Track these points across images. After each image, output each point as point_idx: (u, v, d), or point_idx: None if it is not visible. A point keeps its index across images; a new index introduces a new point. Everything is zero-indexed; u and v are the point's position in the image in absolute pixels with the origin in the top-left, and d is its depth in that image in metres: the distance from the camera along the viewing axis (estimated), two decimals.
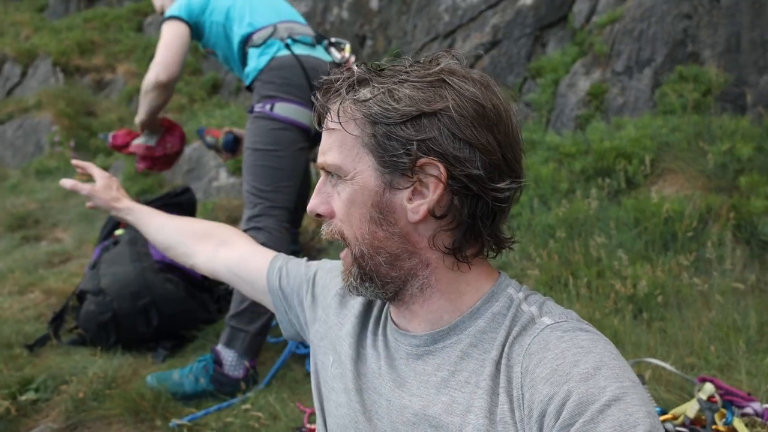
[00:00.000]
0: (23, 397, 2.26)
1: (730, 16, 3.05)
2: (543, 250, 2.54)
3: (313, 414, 2.03)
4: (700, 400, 1.71)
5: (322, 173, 0.86)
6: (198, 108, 5.70)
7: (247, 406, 2.12)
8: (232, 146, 2.86)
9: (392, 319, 0.90)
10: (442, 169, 0.75)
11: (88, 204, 1.45)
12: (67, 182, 1.46)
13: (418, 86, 0.76)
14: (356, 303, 0.97)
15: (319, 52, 2.53)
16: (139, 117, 2.62)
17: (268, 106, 2.39)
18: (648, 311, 2.22)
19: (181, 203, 3.09)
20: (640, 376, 1.86)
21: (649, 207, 2.53)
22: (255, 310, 2.26)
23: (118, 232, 2.93)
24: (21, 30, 8.23)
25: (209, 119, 5.34)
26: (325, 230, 0.86)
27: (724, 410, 1.70)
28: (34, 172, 5.69)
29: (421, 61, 0.80)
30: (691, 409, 1.71)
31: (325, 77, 0.83)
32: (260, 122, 2.41)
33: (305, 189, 3.07)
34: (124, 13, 8.25)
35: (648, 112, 3.16)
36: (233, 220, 3.78)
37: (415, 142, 0.75)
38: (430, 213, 0.78)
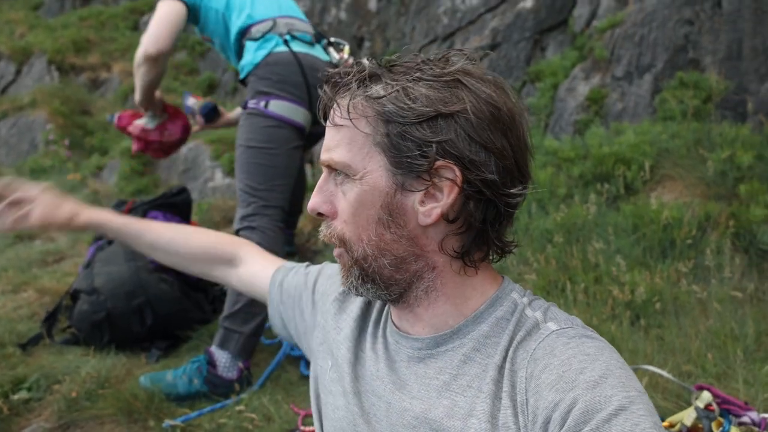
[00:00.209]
0: (16, 396, 2.24)
1: (732, 23, 3.05)
2: (541, 255, 2.53)
3: (307, 416, 2.02)
4: (697, 409, 1.70)
5: (325, 170, 0.83)
6: None
7: (241, 407, 2.10)
8: (209, 113, 2.83)
9: (393, 321, 0.89)
10: (457, 172, 0.74)
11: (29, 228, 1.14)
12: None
13: (434, 86, 0.74)
14: (354, 307, 0.96)
15: (317, 51, 2.50)
16: (136, 95, 2.59)
17: (262, 103, 2.35)
18: (645, 318, 2.21)
19: (176, 203, 3.07)
20: None
21: (647, 213, 2.52)
22: (249, 311, 2.24)
23: None
24: (16, 28, 8.18)
25: None
26: (324, 232, 0.84)
27: (721, 419, 1.70)
28: (29, 171, 5.65)
29: (432, 59, 0.78)
30: (688, 417, 1.70)
31: (333, 71, 0.80)
32: (254, 119, 2.37)
33: (300, 189, 3.05)
34: (120, 12, 8.22)
35: (647, 118, 3.15)
36: (228, 221, 3.76)
37: (433, 144, 0.73)
38: (443, 217, 0.76)
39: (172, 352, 2.62)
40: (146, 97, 2.57)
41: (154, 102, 2.66)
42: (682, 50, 3.21)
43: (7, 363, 2.44)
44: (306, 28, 2.54)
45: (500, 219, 0.78)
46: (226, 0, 2.45)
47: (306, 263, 1.16)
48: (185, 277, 2.84)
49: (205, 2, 2.45)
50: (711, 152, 2.70)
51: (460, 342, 0.80)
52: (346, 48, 2.59)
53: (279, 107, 2.35)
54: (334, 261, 0.93)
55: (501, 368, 0.75)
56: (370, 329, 0.92)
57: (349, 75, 0.78)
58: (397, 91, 0.74)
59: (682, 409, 1.79)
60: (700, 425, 1.66)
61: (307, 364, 2.38)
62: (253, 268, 1.18)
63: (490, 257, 0.83)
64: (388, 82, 0.75)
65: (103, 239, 2.95)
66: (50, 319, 2.78)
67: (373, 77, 0.77)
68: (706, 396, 1.72)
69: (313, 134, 2.58)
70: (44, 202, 1.18)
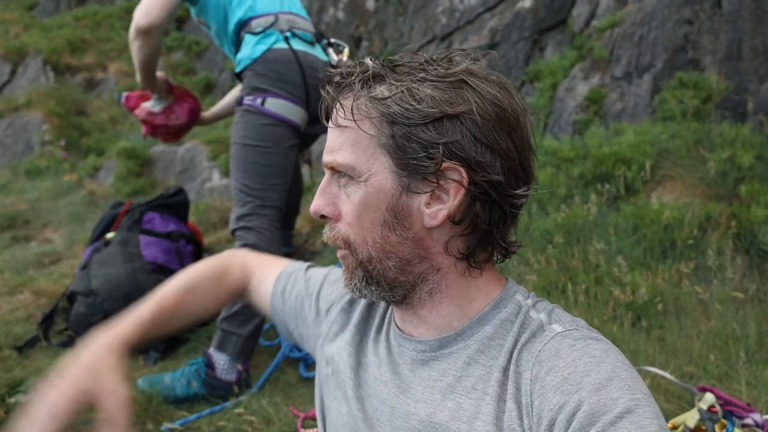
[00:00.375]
0: (12, 400, 2.21)
1: (732, 23, 3.05)
2: (541, 256, 2.52)
3: (306, 419, 2.00)
4: (700, 410, 1.69)
5: (328, 172, 0.82)
6: None
7: (240, 410, 2.08)
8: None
9: (396, 324, 0.88)
10: (464, 174, 0.73)
11: None
12: None
13: (439, 86, 0.73)
14: (356, 313, 0.95)
15: (317, 51, 2.48)
16: (137, 75, 2.52)
17: (258, 100, 2.31)
18: (647, 319, 2.20)
19: (173, 205, 3.06)
20: None
21: (648, 214, 2.51)
22: (247, 312, 2.22)
23: (110, 235, 2.88)
24: (10, 28, 8.14)
25: None
26: (327, 234, 0.83)
27: (724, 421, 1.68)
28: (24, 172, 5.62)
29: (435, 59, 0.77)
30: (691, 418, 1.69)
31: (335, 71, 0.79)
32: (249, 116, 2.33)
33: (297, 189, 3.03)
34: (116, 12, 8.18)
35: (647, 118, 3.15)
36: (226, 222, 3.75)
37: (439, 146, 0.73)
38: (449, 219, 0.76)
39: (170, 354, 2.60)
40: (146, 75, 2.49)
41: (157, 83, 2.59)
42: (681, 50, 3.21)
43: (4, 366, 2.41)
44: (307, 26, 2.51)
45: (505, 220, 0.78)
46: None
47: (307, 264, 1.13)
48: None
49: None
50: (711, 152, 2.70)
51: (464, 344, 0.79)
52: (346, 50, 2.56)
53: (276, 105, 2.32)
54: (332, 262, 0.92)
55: (506, 370, 0.75)
56: (372, 334, 0.91)
57: (352, 75, 0.77)
58: (402, 92, 0.73)
59: (684, 410, 1.78)
60: (704, 427, 1.65)
61: (307, 366, 2.37)
62: (260, 289, 1.13)
63: (494, 258, 0.82)
64: (393, 82, 0.75)
65: (99, 240, 2.93)
66: (47, 322, 2.76)
67: (377, 77, 0.76)
68: (709, 398, 1.71)
69: (308, 134, 2.55)
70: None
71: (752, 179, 2.55)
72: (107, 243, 2.84)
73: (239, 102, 2.39)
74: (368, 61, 0.78)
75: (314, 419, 1.87)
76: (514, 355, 0.75)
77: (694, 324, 2.15)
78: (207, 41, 6.71)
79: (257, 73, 2.34)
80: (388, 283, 0.80)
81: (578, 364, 0.69)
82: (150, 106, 2.67)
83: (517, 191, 0.76)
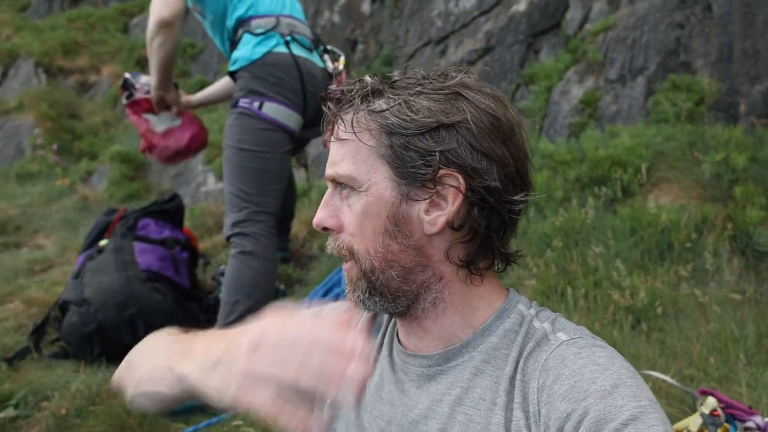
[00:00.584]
0: (2, 414, 2.18)
1: (722, 26, 3.06)
2: (540, 260, 2.51)
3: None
4: (703, 415, 1.68)
5: (330, 185, 0.84)
6: None
7: (238, 422, 2.06)
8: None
9: (399, 341, 0.88)
10: (461, 180, 0.75)
11: None
12: None
13: (435, 98, 0.77)
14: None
15: (314, 58, 2.46)
16: (153, 76, 2.43)
17: (256, 104, 2.28)
18: (646, 322, 2.20)
19: (168, 210, 3.03)
20: None
21: (645, 216, 2.52)
22: (244, 323, 2.20)
23: (103, 242, 2.85)
24: (2, 30, 8.08)
25: None
26: (332, 245, 0.84)
27: (727, 425, 1.68)
28: (15, 177, 5.56)
29: (431, 75, 0.81)
30: (693, 423, 1.68)
31: (336, 87, 0.83)
32: (246, 120, 2.30)
33: (291, 193, 3.01)
34: (109, 14, 8.13)
35: (641, 120, 3.16)
36: (221, 226, 3.71)
37: (436, 153, 0.75)
38: (448, 225, 0.77)
39: None
40: (165, 76, 2.42)
41: (171, 88, 2.51)
42: (673, 53, 3.22)
43: None
44: (306, 31, 2.49)
45: (504, 226, 0.80)
46: None
47: None
48: (179, 287, 2.80)
49: None
50: (705, 154, 2.71)
51: (470, 355, 0.80)
52: (342, 59, 2.54)
53: (273, 110, 2.30)
54: (330, 267, 0.92)
55: (512, 379, 0.76)
56: (373, 354, 0.91)
57: (352, 92, 0.80)
58: (400, 104, 0.76)
59: (686, 414, 1.78)
60: (706, 431, 1.64)
61: None
62: None
63: (495, 266, 0.84)
64: (390, 96, 0.78)
65: (92, 248, 2.89)
66: (38, 332, 2.71)
67: (376, 93, 0.79)
68: (711, 402, 1.70)
69: (300, 138, 2.54)
70: None
71: (746, 181, 2.56)
72: (100, 250, 2.80)
73: (234, 103, 2.35)
74: (367, 78, 0.81)
75: None
76: (520, 364, 0.76)
77: (694, 326, 2.16)
78: (202, 44, 6.68)
79: (255, 75, 2.31)
80: (391, 293, 0.80)
81: (584, 372, 0.70)
82: (153, 123, 2.59)
83: (514, 197, 0.78)
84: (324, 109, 0.82)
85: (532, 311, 0.82)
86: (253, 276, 2.23)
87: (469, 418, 0.76)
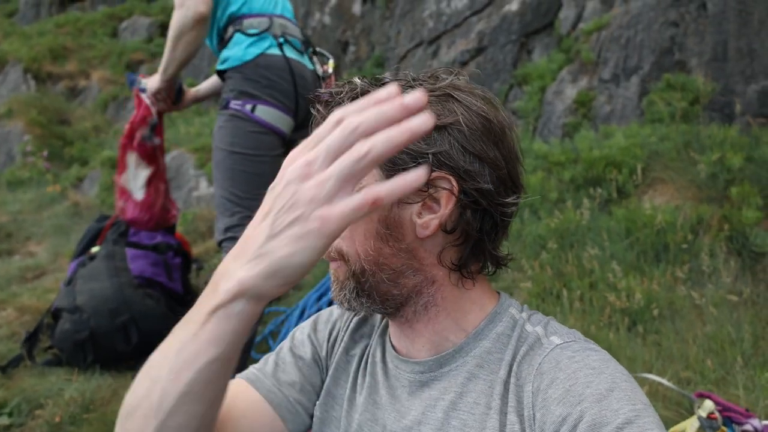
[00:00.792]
0: None
1: (717, 25, 3.05)
2: (535, 262, 2.50)
3: None
4: (700, 418, 1.67)
5: None
6: (177, 116, 5.58)
7: None
8: (178, 92, 2.60)
9: (392, 344, 0.87)
10: (453, 182, 0.74)
11: None
12: None
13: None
14: (343, 339, 0.93)
15: (305, 60, 2.44)
16: (168, 70, 2.35)
17: (248, 106, 2.24)
18: (642, 324, 2.19)
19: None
20: None
21: (640, 217, 2.51)
22: None
23: (95, 249, 2.82)
24: None
25: (188, 126, 5.24)
26: None
27: (724, 428, 1.67)
28: (6, 184, 5.52)
29: (421, 77, 0.80)
30: (690, 426, 1.67)
31: (325, 90, 0.81)
32: (238, 122, 2.26)
33: None
34: (98, 18, 8.08)
35: (635, 120, 3.15)
36: (213, 231, 3.69)
37: (428, 156, 0.74)
38: (441, 228, 0.76)
39: None
40: (178, 71, 2.37)
41: (174, 87, 2.48)
42: (668, 52, 3.21)
43: None
44: (297, 33, 2.46)
45: (496, 229, 0.79)
46: None
47: (269, 356, 0.97)
48: (171, 292, 2.77)
49: None
50: (701, 154, 2.70)
51: (463, 360, 0.79)
52: (331, 62, 2.51)
53: (266, 113, 2.27)
54: (322, 273, 0.89)
55: (506, 383, 0.75)
56: (365, 356, 0.90)
57: (341, 94, 0.79)
58: None
59: (683, 417, 1.77)
60: None
61: None
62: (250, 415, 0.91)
63: (487, 269, 0.83)
64: None
65: (84, 254, 2.86)
66: (31, 340, 2.70)
67: (365, 95, 0.77)
68: (708, 405, 1.69)
69: (291, 142, 2.52)
70: None
71: (742, 181, 2.56)
72: (92, 257, 2.78)
73: (225, 105, 2.31)
74: (357, 80, 0.80)
75: None
76: (514, 368, 0.76)
77: (690, 328, 2.15)
78: None
79: (247, 77, 2.28)
80: (380, 296, 0.79)
81: (579, 376, 0.70)
82: (131, 176, 2.62)
83: (506, 200, 0.78)
84: (313, 111, 0.81)
85: (524, 315, 0.81)
86: None
87: (463, 423, 0.76)
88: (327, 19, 5.26)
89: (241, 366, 2.39)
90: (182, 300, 2.82)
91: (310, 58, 2.49)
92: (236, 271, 0.59)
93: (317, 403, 0.93)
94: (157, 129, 2.63)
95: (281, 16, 2.40)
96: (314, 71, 2.46)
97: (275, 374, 0.92)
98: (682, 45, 3.18)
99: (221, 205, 2.27)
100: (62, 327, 2.54)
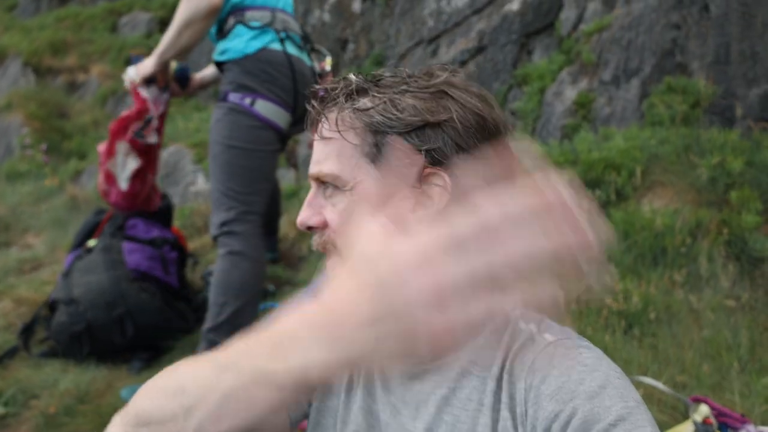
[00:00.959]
0: None
1: (719, 27, 3.05)
2: None
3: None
4: (695, 422, 1.67)
5: (314, 184, 0.83)
6: (175, 111, 5.57)
7: None
8: (184, 77, 2.59)
9: None
10: (447, 179, 0.75)
11: None
12: None
13: (420, 96, 0.76)
14: None
15: (304, 56, 2.44)
16: (166, 54, 2.32)
17: (248, 100, 2.23)
18: (639, 327, 2.19)
19: (157, 210, 2.99)
20: None
21: (639, 220, 2.50)
22: (234, 322, 2.17)
23: (91, 242, 2.81)
24: None
25: (187, 122, 5.22)
26: (317, 241, 0.82)
27: None
28: (4, 176, 5.51)
29: (416, 74, 0.80)
30: (685, 430, 1.67)
31: (320, 86, 0.81)
32: (236, 116, 2.24)
33: (277, 194, 2.99)
34: (98, 12, 8.05)
35: (635, 123, 3.14)
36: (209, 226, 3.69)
37: (422, 152, 0.75)
38: None
39: (154, 363, 2.55)
40: (171, 59, 2.35)
41: (167, 73, 2.46)
42: (669, 54, 3.21)
43: None
44: (298, 29, 2.45)
45: None
46: None
47: None
48: (167, 286, 2.77)
49: None
50: (701, 158, 2.69)
51: (456, 356, 0.79)
52: (328, 60, 2.51)
53: (265, 108, 2.26)
54: (319, 265, 0.89)
55: (499, 380, 0.75)
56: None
57: (336, 90, 0.79)
58: (385, 102, 0.76)
59: (678, 421, 1.76)
60: None
61: None
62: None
63: None
64: (375, 94, 0.77)
65: (81, 247, 2.86)
66: (27, 331, 2.71)
67: (360, 91, 0.79)
68: (703, 409, 1.69)
69: (287, 137, 2.51)
70: None
71: (742, 185, 2.55)
72: (89, 250, 2.77)
73: (223, 97, 2.29)
74: (352, 76, 0.80)
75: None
76: (507, 364, 0.76)
77: (687, 332, 2.14)
78: None
79: (247, 70, 2.26)
80: None
81: (572, 373, 0.70)
82: (118, 164, 2.60)
83: None
84: (308, 107, 0.82)
85: (518, 312, 0.81)
86: (242, 276, 2.20)
87: (456, 418, 0.76)
88: (326, 17, 5.25)
89: None
90: (178, 294, 2.82)
91: (309, 55, 2.48)
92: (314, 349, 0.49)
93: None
94: (158, 128, 2.63)
95: (282, 11, 2.39)
96: (312, 68, 2.46)
97: None
98: (684, 47, 3.17)
99: (217, 200, 2.26)
100: (59, 319, 2.54)
